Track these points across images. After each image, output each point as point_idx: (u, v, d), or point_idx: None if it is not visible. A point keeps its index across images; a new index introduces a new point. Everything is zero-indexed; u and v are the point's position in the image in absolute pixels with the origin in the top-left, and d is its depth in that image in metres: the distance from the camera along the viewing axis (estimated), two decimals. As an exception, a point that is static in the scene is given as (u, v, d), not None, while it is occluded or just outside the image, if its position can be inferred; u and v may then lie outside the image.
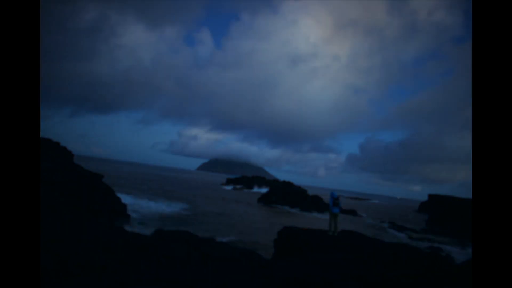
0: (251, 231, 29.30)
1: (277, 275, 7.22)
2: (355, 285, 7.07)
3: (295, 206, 57.14)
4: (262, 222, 36.83)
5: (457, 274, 8.81)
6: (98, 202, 24.00)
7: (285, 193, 61.37)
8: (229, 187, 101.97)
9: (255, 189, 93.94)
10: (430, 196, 65.10)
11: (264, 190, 78.38)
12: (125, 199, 30.06)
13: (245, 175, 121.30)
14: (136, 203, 34.65)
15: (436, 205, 55.85)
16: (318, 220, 43.86)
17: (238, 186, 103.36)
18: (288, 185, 68.17)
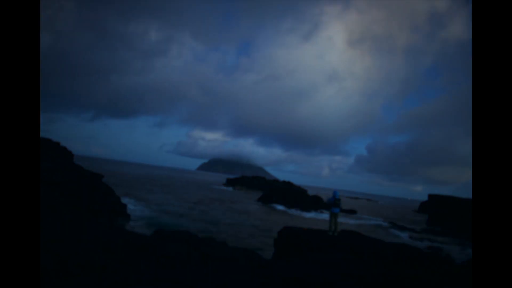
0: (251, 231, 29.29)
1: (277, 275, 7.22)
2: (355, 285, 7.07)
3: (295, 206, 57.17)
4: (262, 222, 36.82)
5: (457, 274, 8.81)
6: (98, 202, 24.01)
7: (285, 193, 61.40)
8: (229, 188, 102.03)
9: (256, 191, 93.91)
10: (430, 196, 65.10)
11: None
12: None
13: (245, 175, 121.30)
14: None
15: (436, 205, 55.87)
16: (318, 220, 43.88)
17: (238, 186, 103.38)
18: (288, 185, 68.17)
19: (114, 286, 5.69)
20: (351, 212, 60.22)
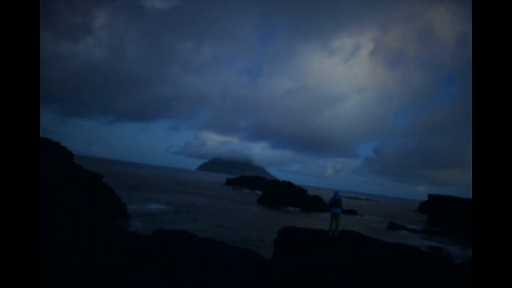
0: (251, 231, 29.29)
1: (277, 275, 7.22)
2: (355, 285, 7.07)
3: (295, 206, 57.17)
4: (262, 222, 36.82)
5: (457, 274, 8.81)
6: (98, 202, 24.01)
7: (285, 193, 61.38)
8: (229, 188, 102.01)
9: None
10: (430, 196, 65.07)
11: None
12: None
13: (245, 175, 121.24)
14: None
15: (436, 205, 55.86)
16: (318, 220, 43.87)
17: (238, 186, 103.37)
18: (288, 185, 68.15)
19: (114, 286, 5.69)
20: (351, 212, 60.20)
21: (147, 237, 10.43)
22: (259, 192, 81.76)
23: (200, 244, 10.29)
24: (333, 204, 13.91)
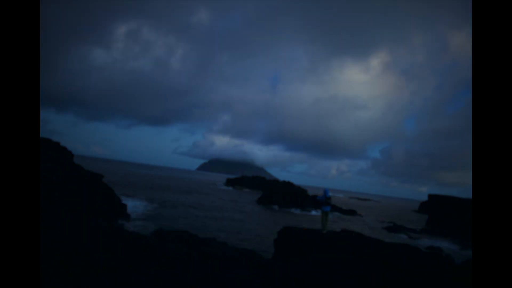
0: (251, 231, 29.29)
1: (277, 275, 7.22)
2: (355, 285, 7.07)
3: (295, 206, 57.16)
4: (262, 222, 36.83)
5: (457, 274, 8.81)
6: (98, 202, 24.01)
7: (285, 193, 61.36)
8: (229, 188, 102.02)
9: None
10: (430, 196, 65.03)
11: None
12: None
13: (245, 175, 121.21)
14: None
15: (436, 205, 55.82)
16: (318, 220, 43.82)
17: (238, 186, 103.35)
18: (288, 185, 68.15)
19: (114, 286, 5.69)
20: (351, 212, 60.20)
21: (147, 237, 10.43)
22: (259, 192, 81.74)
23: (200, 244, 10.29)
24: (323, 202, 13.91)
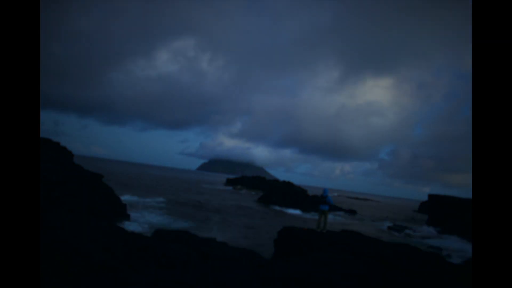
0: (251, 231, 29.29)
1: (277, 275, 7.22)
2: (355, 285, 7.07)
3: (295, 206, 57.16)
4: (261, 222, 36.83)
5: (457, 274, 8.82)
6: (98, 202, 24.00)
7: (285, 193, 61.37)
8: (229, 187, 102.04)
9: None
10: (430, 196, 65.05)
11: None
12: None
13: (245, 175, 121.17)
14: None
15: (436, 205, 55.82)
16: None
17: (238, 186, 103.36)
18: (288, 185, 68.14)
19: (114, 286, 5.69)
20: (351, 212, 60.19)
21: (147, 237, 10.43)
22: (259, 192, 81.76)
23: (200, 244, 10.29)
24: (321, 201, 14.10)
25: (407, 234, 40.44)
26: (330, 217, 14.85)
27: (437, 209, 53.82)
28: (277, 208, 55.54)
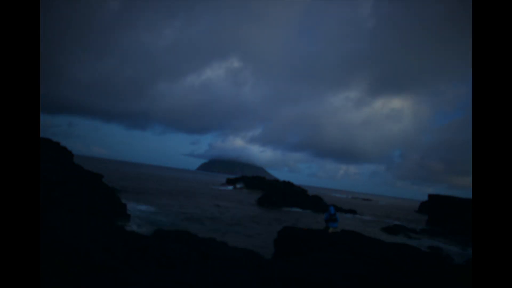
0: (251, 231, 29.29)
1: (277, 275, 7.22)
2: (355, 285, 7.07)
3: (295, 206, 57.17)
4: (261, 222, 36.82)
5: (457, 274, 8.82)
6: (98, 202, 23.99)
7: (285, 193, 61.37)
8: (229, 187, 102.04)
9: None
10: (430, 196, 65.04)
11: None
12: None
13: (245, 175, 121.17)
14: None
15: (436, 205, 55.84)
16: (318, 220, 43.85)
17: (238, 186, 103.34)
18: (288, 185, 68.14)
19: (114, 286, 5.69)
20: (351, 211, 60.21)
21: (147, 237, 10.43)
22: (259, 192, 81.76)
23: (200, 244, 10.29)
24: (328, 219, 14.81)
25: (407, 234, 40.43)
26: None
27: (437, 209, 53.84)
28: (277, 207, 55.54)
